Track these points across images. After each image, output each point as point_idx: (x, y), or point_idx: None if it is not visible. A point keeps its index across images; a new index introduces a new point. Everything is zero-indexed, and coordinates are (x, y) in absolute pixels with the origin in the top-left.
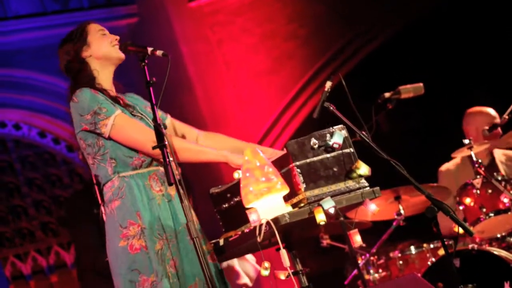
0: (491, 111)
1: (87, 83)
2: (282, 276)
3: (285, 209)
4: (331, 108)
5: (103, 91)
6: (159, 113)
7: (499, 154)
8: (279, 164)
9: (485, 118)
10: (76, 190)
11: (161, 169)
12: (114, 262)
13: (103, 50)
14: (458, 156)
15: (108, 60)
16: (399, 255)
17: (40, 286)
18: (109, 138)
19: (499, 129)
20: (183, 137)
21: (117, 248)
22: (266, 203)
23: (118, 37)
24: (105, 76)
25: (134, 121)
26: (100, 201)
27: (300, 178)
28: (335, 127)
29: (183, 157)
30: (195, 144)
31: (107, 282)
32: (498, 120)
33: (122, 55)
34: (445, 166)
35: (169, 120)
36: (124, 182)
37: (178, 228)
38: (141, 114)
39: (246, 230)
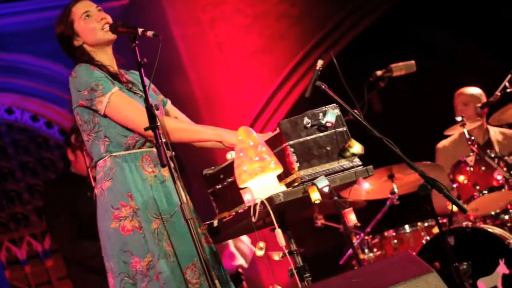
0: (479, 90)
1: (87, 61)
2: (276, 256)
3: (279, 188)
4: (323, 87)
5: (102, 67)
6: (160, 97)
7: (496, 133)
8: (273, 143)
9: (474, 98)
10: (52, 177)
11: (155, 150)
12: (106, 244)
13: (91, 38)
14: (456, 133)
15: (100, 45)
16: (394, 234)
17: (35, 271)
18: (105, 116)
19: (485, 109)
20: None
21: (109, 230)
22: (260, 183)
23: (104, 16)
24: (103, 56)
25: (130, 100)
26: (93, 183)
27: (293, 158)
28: (327, 106)
29: (178, 137)
30: (188, 123)
31: (89, 272)
32: (485, 99)
33: (112, 36)
34: (442, 143)
35: (168, 105)
36: (115, 163)
37: (173, 209)
38: (142, 92)
39: (240, 211)
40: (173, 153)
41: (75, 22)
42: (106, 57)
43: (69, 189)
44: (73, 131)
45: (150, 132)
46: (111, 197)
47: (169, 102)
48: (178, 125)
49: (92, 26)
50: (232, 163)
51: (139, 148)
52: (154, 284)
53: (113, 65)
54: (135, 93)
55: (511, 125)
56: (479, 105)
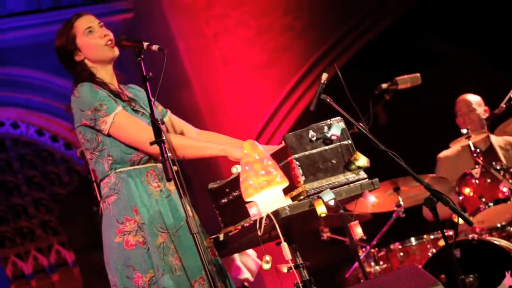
0: (478, 97)
1: (87, 78)
2: (285, 268)
3: (285, 202)
4: (328, 100)
5: (103, 85)
6: (160, 108)
7: (498, 140)
8: (278, 157)
9: (476, 104)
10: (71, 188)
11: (159, 165)
12: (110, 258)
13: (93, 54)
14: (458, 144)
15: (102, 62)
16: (400, 246)
17: (41, 285)
18: (109, 135)
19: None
20: (182, 133)
21: (113, 244)
22: (266, 197)
23: (107, 33)
24: (104, 72)
25: (134, 119)
26: (99, 198)
27: (299, 171)
28: (332, 119)
29: (184, 154)
30: (194, 140)
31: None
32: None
33: (114, 54)
34: (444, 153)
35: (167, 116)
36: (120, 178)
37: (179, 224)
38: (143, 109)
39: (246, 225)
40: (178, 168)
41: (77, 37)
42: (107, 74)
43: (84, 198)
44: None
45: (155, 150)
46: (116, 211)
47: (169, 112)
48: (183, 141)
49: (95, 42)
50: (237, 177)
51: (143, 164)
52: None
53: (113, 82)
54: (137, 111)
55: None
56: (482, 111)
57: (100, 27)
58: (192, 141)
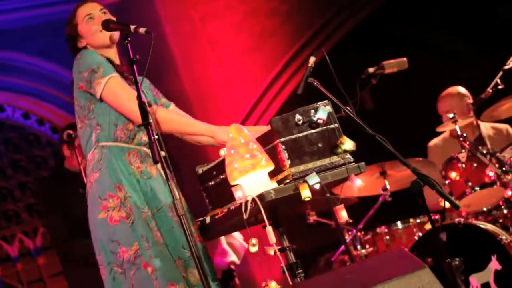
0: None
1: None
2: (272, 251)
3: (271, 185)
4: (315, 83)
5: (107, 59)
6: (163, 100)
7: (487, 128)
8: (264, 140)
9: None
10: (43, 175)
11: (143, 149)
12: (95, 235)
13: (92, 40)
14: (447, 131)
15: (102, 47)
16: (386, 230)
17: (27, 268)
18: (101, 100)
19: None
20: None
21: (97, 220)
22: (252, 180)
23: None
24: (107, 55)
25: (127, 87)
26: (85, 181)
27: (285, 155)
28: (319, 102)
29: (170, 128)
30: (181, 116)
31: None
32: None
33: (113, 38)
34: (433, 141)
35: (172, 108)
36: (103, 154)
37: (160, 205)
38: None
39: (232, 208)
40: (166, 154)
41: (78, 24)
42: (111, 55)
43: (62, 186)
44: (68, 127)
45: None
46: (98, 188)
47: (172, 105)
48: (170, 116)
49: (94, 29)
50: (224, 160)
51: (127, 143)
52: (141, 272)
53: (116, 62)
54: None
55: (502, 121)
56: (471, 101)
57: (103, 14)
58: (179, 116)
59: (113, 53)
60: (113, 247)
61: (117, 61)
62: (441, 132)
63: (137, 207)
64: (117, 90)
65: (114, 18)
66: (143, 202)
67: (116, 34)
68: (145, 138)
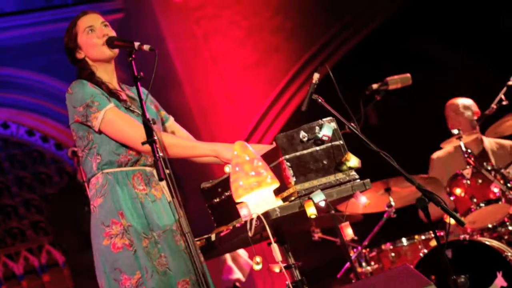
0: (470, 101)
1: (87, 76)
2: (277, 268)
3: (276, 203)
4: (320, 100)
5: (101, 84)
6: (163, 113)
7: (491, 143)
8: (269, 158)
9: (465, 108)
10: (60, 188)
11: (147, 169)
12: (98, 261)
13: (92, 53)
14: (451, 145)
15: (101, 61)
16: (391, 247)
17: (32, 286)
18: (100, 132)
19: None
20: None
21: (101, 247)
22: (257, 197)
23: (107, 32)
24: (103, 71)
25: (125, 115)
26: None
27: (290, 172)
28: (324, 119)
29: (175, 152)
30: (185, 139)
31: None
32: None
33: (112, 53)
34: (436, 154)
35: (170, 123)
36: (107, 180)
37: (164, 227)
38: (139, 110)
39: (238, 225)
40: (170, 171)
41: (78, 36)
42: (107, 73)
43: (73, 200)
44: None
45: (146, 148)
46: (102, 214)
47: (171, 118)
48: (174, 140)
49: (94, 42)
50: (229, 177)
51: (131, 166)
52: None
53: (113, 82)
54: (133, 111)
55: (507, 138)
56: (470, 114)
57: (104, 26)
58: (183, 140)
59: (110, 68)
60: (115, 275)
61: (113, 77)
62: None
63: (139, 236)
64: (115, 121)
65: (114, 32)
66: (146, 228)
67: (116, 50)
68: (150, 160)
